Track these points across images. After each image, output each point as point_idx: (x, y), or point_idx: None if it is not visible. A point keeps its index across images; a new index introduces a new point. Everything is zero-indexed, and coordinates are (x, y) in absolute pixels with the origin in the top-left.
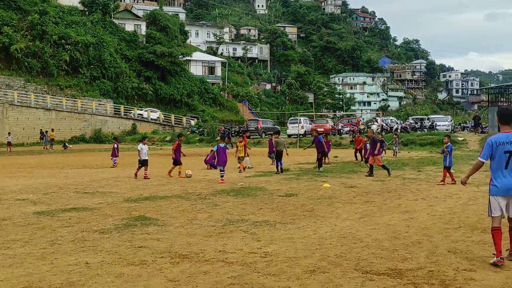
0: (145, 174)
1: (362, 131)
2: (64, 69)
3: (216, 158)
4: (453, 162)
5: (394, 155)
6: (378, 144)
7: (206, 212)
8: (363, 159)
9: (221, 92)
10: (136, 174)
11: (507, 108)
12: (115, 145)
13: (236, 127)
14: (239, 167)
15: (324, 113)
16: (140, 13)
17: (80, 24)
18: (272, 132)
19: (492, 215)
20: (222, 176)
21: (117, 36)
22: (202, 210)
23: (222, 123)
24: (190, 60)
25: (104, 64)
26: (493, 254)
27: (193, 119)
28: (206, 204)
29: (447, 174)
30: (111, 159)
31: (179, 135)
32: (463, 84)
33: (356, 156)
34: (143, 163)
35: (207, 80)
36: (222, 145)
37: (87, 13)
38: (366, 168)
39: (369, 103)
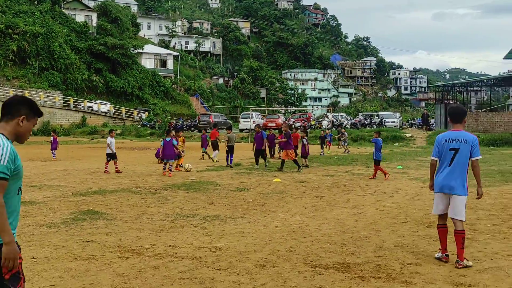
0: (116, 167)
1: (313, 126)
2: (11, 60)
3: (161, 152)
4: (399, 159)
5: (345, 151)
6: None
7: (156, 207)
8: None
9: (173, 86)
10: (106, 169)
11: (457, 107)
12: (53, 138)
13: (188, 121)
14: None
15: (276, 108)
16: (91, 4)
17: (28, 13)
18: (205, 128)
19: (434, 213)
20: (170, 170)
21: (67, 27)
22: (152, 205)
23: (173, 117)
24: (141, 53)
25: (53, 55)
26: (439, 249)
27: (144, 113)
28: (156, 198)
29: (378, 169)
30: (51, 152)
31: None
32: (411, 81)
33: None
34: (112, 156)
35: (159, 73)
36: (168, 139)
37: (35, 2)
38: (320, 162)
39: (320, 99)
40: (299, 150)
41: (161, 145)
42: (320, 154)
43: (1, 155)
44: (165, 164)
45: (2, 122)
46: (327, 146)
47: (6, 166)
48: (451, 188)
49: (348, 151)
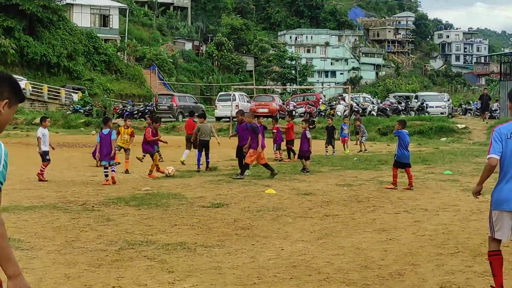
0: (42, 171)
1: (323, 113)
2: None
3: (98, 151)
4: (447, 160)
5: (362, 150)
6: (260, 135)
7: (93, 230)
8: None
9: (119, 53)
10: (42, 174)
11: None
12: None
13: (140, 105)
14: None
15: (270, 87)
16: None
17: None
18: (149, 116)
19: (495, 236)
20: (106, 175)
21: None
22: (87, 227)
23: (119, 98)
24: (72, 5)
25: None
26: (491, 287)
27: (76, 92)
28: (94, 218)
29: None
30: None
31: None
32: (466, 48)
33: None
34: (43, 155)
35: (98, 34)
36: (105, 131)
37: None
38: (332, 165)
39: (333, 73)
40: (296, 147)
41: (97, 140)
42: (325, 155)
43: None
44: (106, 168)
45: None
46: (343, 143)
47: (1, 172)
48: None
49: (366, 150)
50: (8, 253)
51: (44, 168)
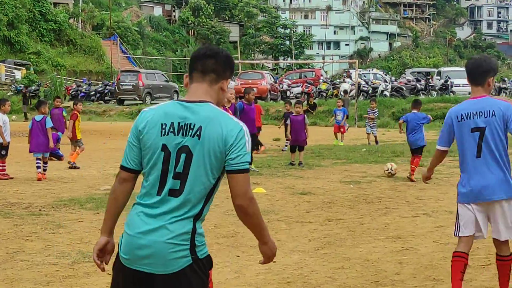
0: (2, 169)
1: (325, 93)
2: None
3: (30, 140)
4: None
5: (369, 142)
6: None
7: (41, 240)
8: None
9: (72, 20)
10: (2, 171)
11: (478, 59)
12: None
13: (98, 84)
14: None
15: (259, 61)
16: None
17: None
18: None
19: (460, 235)
20: (38, 168)
21: None
22: (34, 236)
23: (73, 76)
24: None
25: None
26: None
27: (19, 69)
28: (41, 224)
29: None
30: None
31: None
32: (499, 13)
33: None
34: (6, 149)
35: None
36: (38, 117)
37: None
38: (335, 157)
39: (337, 44)
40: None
41: (29, 127)
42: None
43: None
44: (38, 159)
45: (205, 84)
46: (337, 132)
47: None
48: (493, 191)
49: (377, 142)
50: (264, 223)
51: (3, 166)
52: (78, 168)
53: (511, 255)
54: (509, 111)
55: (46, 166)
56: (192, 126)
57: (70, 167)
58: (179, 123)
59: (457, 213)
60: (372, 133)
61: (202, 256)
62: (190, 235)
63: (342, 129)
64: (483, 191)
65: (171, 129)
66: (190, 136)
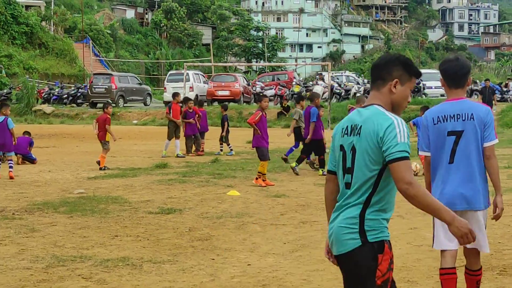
0: None
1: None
2: None
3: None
4: None
5: None
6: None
7: (14, 244)
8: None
9: (44, 23)
10: None
11: (460, 60)
12: None
13: (71, 87)
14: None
15: (231, 64)
16: None
17: None
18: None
19: (440, 247)
20: (11, 167)
21: None
22: (7, 240)
23: (45, 79)
24: None
25: None
26: None
27: None
28: (14, 228)
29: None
30: None
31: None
32: (471, 15)
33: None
34: None
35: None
36: (0, 119)
37: None
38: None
39: (310, 46)
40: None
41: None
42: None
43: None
44: (10, 160)
45: (373, 90)
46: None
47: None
48: (468, 201)
49: None
50: (436, 204)
51: None
52: (109, 169)
53: (480, 269)
54: (488, 116)
55: (11, 163)
56: (357, 127)
57: (101, 169)
58: (351, 125)
59: (434, 224)
60: None
61: (372, 240)
62: (358, 219)
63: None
64: (455, 200)
65: (346, 131)
66: (354, 135)
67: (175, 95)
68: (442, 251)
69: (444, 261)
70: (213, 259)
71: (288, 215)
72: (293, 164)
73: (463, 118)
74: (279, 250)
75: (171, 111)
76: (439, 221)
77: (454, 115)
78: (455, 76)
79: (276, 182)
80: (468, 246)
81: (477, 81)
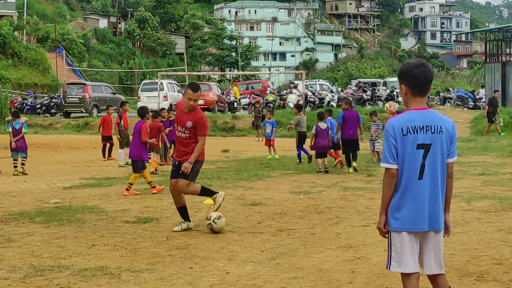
0: None
1: (271, 105)
2: None
3: None
4: None
5: (375, 160)
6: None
7: None
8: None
9: (16, 33)
10: None
11: (424, 65)
12: None
13: (44, 96)
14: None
15: (205, 73)
16: None
17: None
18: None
19: (400, 270)
20: None
21: None
22: None
23: (18, 89)
24: None
25: None
26: None
27: None
28: None
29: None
30: None
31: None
32: (443, 23)
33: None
34: None
35: None
36: None
37: None
38: (284, 168)
39: (283, 55)
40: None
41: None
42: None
43: None
44: None
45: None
46: (269, 146)
47: None
48: (433, 221)
49: (374, 162)
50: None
51: None
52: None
53: None
54: (454, 130)
55: None
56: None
57: (152, 172)
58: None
59: (390, 242)
60: (373, 149)
61: None
62: None
63: (272, 142)
64: (423, 220)
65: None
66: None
67: (122, 104)
68: (406, 275)
69: (411, 286)
70: (192, 267)
71: (265, 223)
72: (354, 164)
73: (432, 131)
74: (257, 258)
75: (121, 121)
76: (407, 239)
77: (423, 127)
78: (423, 84)
79: (252, 191)
80: (434, 271)
81: (450, 89)
